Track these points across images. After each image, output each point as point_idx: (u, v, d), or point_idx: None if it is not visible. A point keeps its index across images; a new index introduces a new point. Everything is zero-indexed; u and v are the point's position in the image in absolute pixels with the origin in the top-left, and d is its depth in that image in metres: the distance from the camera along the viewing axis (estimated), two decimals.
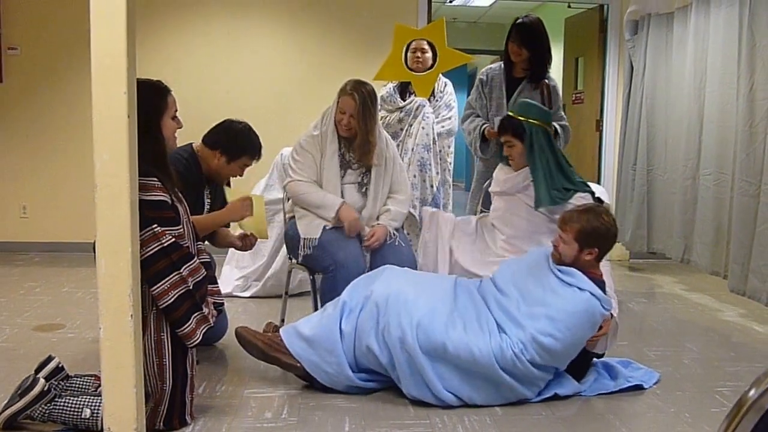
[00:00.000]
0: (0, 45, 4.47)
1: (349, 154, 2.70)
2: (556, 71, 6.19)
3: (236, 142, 2.51)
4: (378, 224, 2.68)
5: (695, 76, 3.69)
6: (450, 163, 3.59)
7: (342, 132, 2.66)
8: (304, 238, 2.62)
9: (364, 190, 2.71)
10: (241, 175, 2.59)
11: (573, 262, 2.22)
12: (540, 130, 2.51)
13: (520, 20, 3.13)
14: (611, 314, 2.24)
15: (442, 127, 3.47)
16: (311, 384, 2.22)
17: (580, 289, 2.14)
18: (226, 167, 2.52)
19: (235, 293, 3.54)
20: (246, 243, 2.59)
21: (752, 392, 0.92)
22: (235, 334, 2.27)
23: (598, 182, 4.83)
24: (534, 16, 3.19)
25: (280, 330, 2.25)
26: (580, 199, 2.49)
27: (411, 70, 3.44)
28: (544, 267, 2.23)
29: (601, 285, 2.21)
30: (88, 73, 1.63)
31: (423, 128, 3.34)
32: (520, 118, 2.53)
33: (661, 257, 4.34)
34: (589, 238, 2.18)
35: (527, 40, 3.09)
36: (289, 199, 2.84)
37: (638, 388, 2.31)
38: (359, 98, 2.60)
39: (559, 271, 2.20)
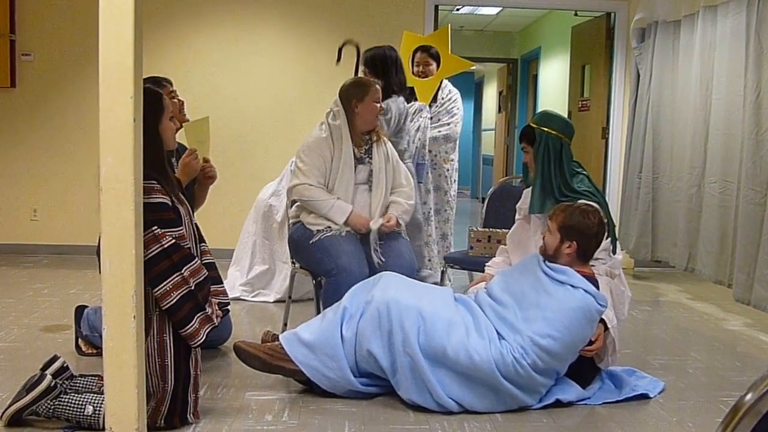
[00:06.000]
0: (14, 51, 4.55)
1: (359, 150, 2.74)
2: (562, 78, 6.21)
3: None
4: (390, 216, 2.71)
5: (701, 83, 3.68)
6: (448, 170, 3.54)
7: (375, 125, 2.77)
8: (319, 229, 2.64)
9: (370, 187, 2.75)
10: (180, 104, 2.58)
11: (554, 254, 2.27)
12: (553, 139, 2.52)
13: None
14: (606, 326, 2.23)
15: (438, 131, 3.48)
16: (312, 388, 2.23)
17: (572, 286, 2.16)
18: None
19: (242, 297, 3.56)
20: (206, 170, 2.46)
21: (749, 396, 0.91)
22: (234, 349, 2.26)
23: (604, 190, 4.82)
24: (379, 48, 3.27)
25: (280, 337, 2.26)
26: None
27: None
28: (536, 269, 2.26)
29: (593, 283, 2.22)
30: (99, 80, 1.66)
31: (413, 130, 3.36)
32: (534, 126, 2.57)
33: (665, 265, 4.32)
34: (570, 232, 2.25)
35: (370, 66, 3.23)
36: (293, 205, 2.86)
37: (643, 397, 2.30)
38: (378, 84, 2.80)
39: (551, 269, 2.23)
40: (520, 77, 8.27)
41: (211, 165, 2.48)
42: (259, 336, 2.40)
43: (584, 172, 2.60)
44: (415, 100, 3.49)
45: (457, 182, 3.67)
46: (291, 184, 2.74)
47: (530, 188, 2.60)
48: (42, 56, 4.58)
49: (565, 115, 5.71)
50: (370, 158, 2.75)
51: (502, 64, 8.72)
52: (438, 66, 3.49)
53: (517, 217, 2.69)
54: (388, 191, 2.77)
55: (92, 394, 1.92)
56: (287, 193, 2.82)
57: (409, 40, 3.56)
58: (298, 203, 2.81)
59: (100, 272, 2.38)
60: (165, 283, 1.84)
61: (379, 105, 2.77)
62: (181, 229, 1.92)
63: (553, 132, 2.52)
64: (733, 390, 2.42)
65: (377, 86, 2.78)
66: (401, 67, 3.24)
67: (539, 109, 7.36)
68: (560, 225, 2.26)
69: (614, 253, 2.48)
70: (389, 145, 2.85)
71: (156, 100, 1.98)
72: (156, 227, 1.84)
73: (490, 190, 3.41)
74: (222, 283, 2.14)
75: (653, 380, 2.42)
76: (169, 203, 1.91)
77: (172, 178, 1.98)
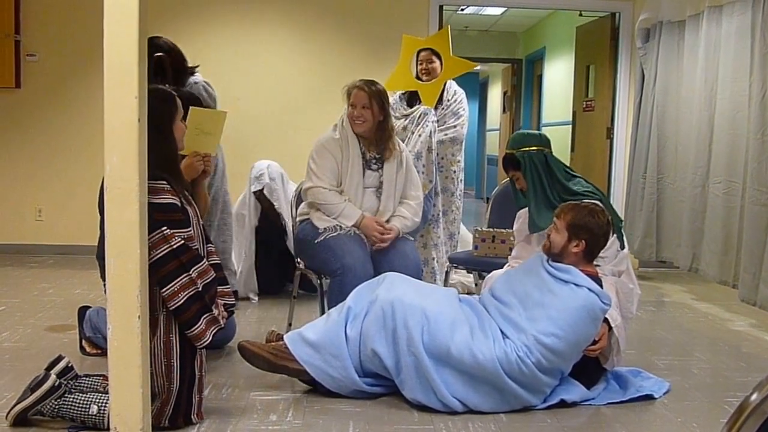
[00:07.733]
0: (19, 51, 4.57)
1: (369, 153, 2.74)
2: (567, 79, 6.19)
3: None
4: (392, 226, 2.70)
5: (706, 83, 3.67)
6: (455, 172, 3.53)
7: (356, 128, 2.70)
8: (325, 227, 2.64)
9: (379, 191, 2.75)
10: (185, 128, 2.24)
11: (561, 253, 2.26)
12: (536, 155, 2.53)
13: None
14: (610, 326, 2.23)
15: (445, 134, 3.48)
16: (316, 388, 2.23)
17: (576, 285, 2.15)
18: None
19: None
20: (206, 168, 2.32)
21: (754, 397, 0.91)
22: (238, 349, 2.26)
23: (608, 190, 4.81)
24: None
25: (285, 337, 2.26)
26: None
27: (420, 79, 3.48)
28: (540, 269, 2.25)
29: (597, 282, 2.22)
30: (104, 80, 1.66)
31: (419, 135, 3.36)
32: (514, 151, 2.57)
33: (670, 266, 4.31)
34: (579, 231, 2.24)
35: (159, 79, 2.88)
36: (299, 204, 2.86)
37: (648, 397, 2.29)
38: (368, 89, 2.68)
39: (555, 269, 2.22)
40: (525, 77, 8.26)
41: (209, 159, 2.34)
42: (264, 336, 2.40)
43: (579, 176, 2.59)
44: (419, 103, 3.49)
45: (463, 182, 3.67)
46: (305, 186, 2.75)
47: (524, 209, 2.60)
48: (47, 57, 4.60)
49: (570, 116, 5.73)
50: (381, 168, 2.74)
51: (507, 65, 8.71)
52: (442, 63, 3.49)
53: (517, 241, 2.68)
54: (396, 201, 2.77)
55: (97, 394, 1.92)
56: (302, 194, 2.82)
57: (408, 43, 3.55)
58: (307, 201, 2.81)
59: (101, 277, 2.41)
60: (173, 283, 1.84)
61: (356, 109, 2.67)
62: (190, 230, 1.93)
63: (533, 148, 2.53)
64: (738, 390, 2.41)
65: (356, 90, 2.67)
66: (166, 50, 2.80)
67: (544, 110, 7.36)
68: (569, 223, 2.25)
69: (622, 248, 2.47)
70: (405, 155, 2.82)
71: (170, 101, 1.99)
72: (165, 228, 1.85)
73: (495, 190, 3.40)
74: (228, 284, 2.14)
75: (658, 381, 2.41)
76: (179, 204, 1.91)
77: (182, 178, 1.99)
